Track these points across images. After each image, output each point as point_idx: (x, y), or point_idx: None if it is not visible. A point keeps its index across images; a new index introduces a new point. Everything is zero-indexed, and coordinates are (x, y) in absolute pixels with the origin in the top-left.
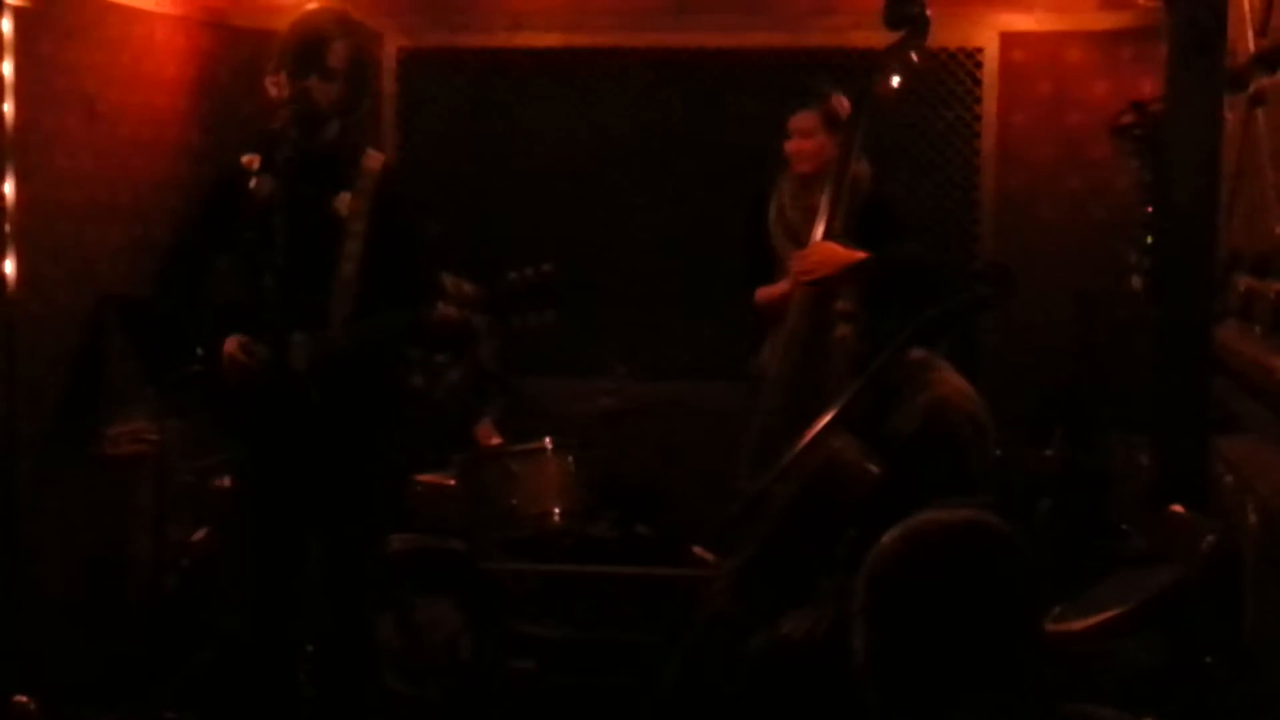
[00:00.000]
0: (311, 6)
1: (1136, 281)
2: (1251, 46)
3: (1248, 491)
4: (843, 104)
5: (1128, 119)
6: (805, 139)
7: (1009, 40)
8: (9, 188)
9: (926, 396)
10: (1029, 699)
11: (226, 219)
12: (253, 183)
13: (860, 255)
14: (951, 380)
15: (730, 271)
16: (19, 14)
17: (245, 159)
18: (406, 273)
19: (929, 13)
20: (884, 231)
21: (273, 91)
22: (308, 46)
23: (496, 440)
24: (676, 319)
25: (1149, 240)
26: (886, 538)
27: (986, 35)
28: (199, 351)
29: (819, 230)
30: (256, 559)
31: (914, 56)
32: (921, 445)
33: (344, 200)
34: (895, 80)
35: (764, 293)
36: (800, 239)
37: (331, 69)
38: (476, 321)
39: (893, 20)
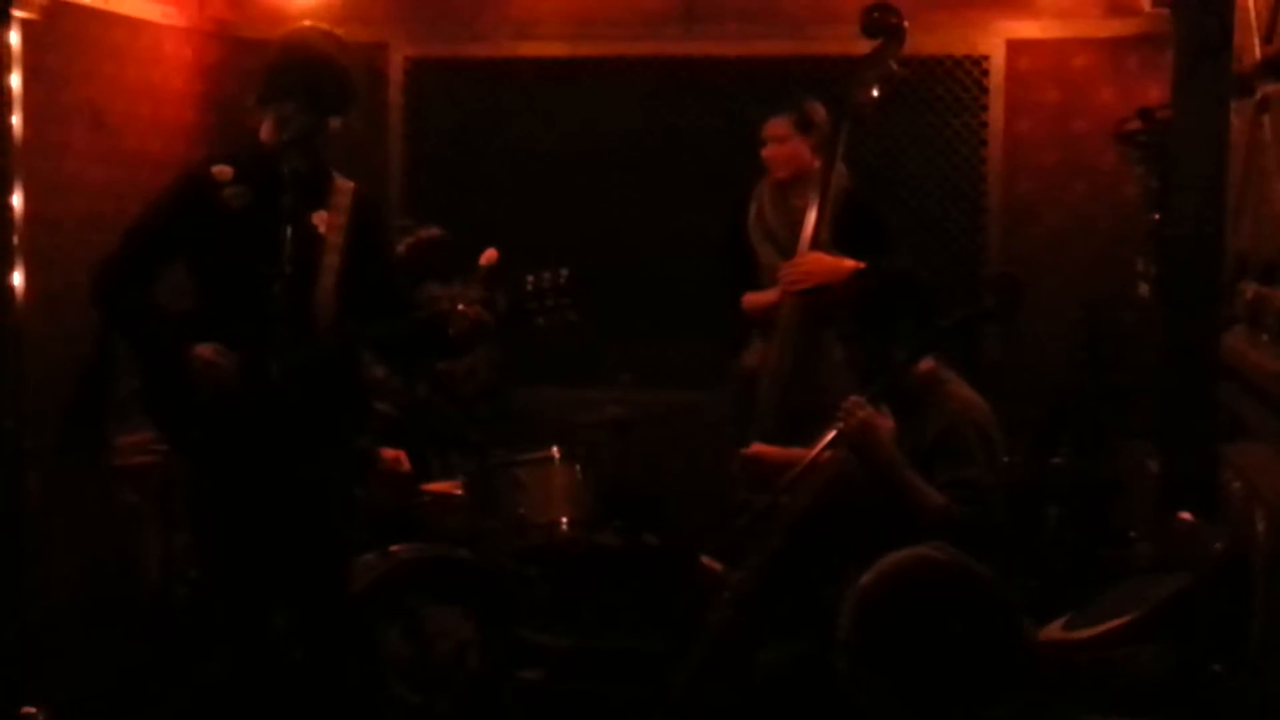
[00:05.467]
0: (308, 26)
1: (1143, 288)
2: (1258, 53)
3: (1256, 498)
4: (816, 109)
5: (1134, 126)
6: (780, 145)
7: (1015, 48)
8: (16, 200)
9: (937, 410)
10: (1031, 711)
11: (190, 227)
12: (225, 192)
13: (848, 264)
14: (961, 392)
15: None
16: (26, 26)
17: (216, 169)
18: (382, 288)
19: (905, 24)
20: (866, 238)
21: (258, 110)
22: (311, 70)
23: None
24: (684, 327)
25: (1155, 247)
26: (863, 578)
27: (992, 43)
28: (145, 359)
29: (806, 240)
30: (223, 571)
31: (893, 65)
32: (933, 459)
33: (321, 217)
34: (875, 90)
35: (752, 300)
36: (780, 243)
37: (330, 93)
38: (488, 317)
39: (869, 30)
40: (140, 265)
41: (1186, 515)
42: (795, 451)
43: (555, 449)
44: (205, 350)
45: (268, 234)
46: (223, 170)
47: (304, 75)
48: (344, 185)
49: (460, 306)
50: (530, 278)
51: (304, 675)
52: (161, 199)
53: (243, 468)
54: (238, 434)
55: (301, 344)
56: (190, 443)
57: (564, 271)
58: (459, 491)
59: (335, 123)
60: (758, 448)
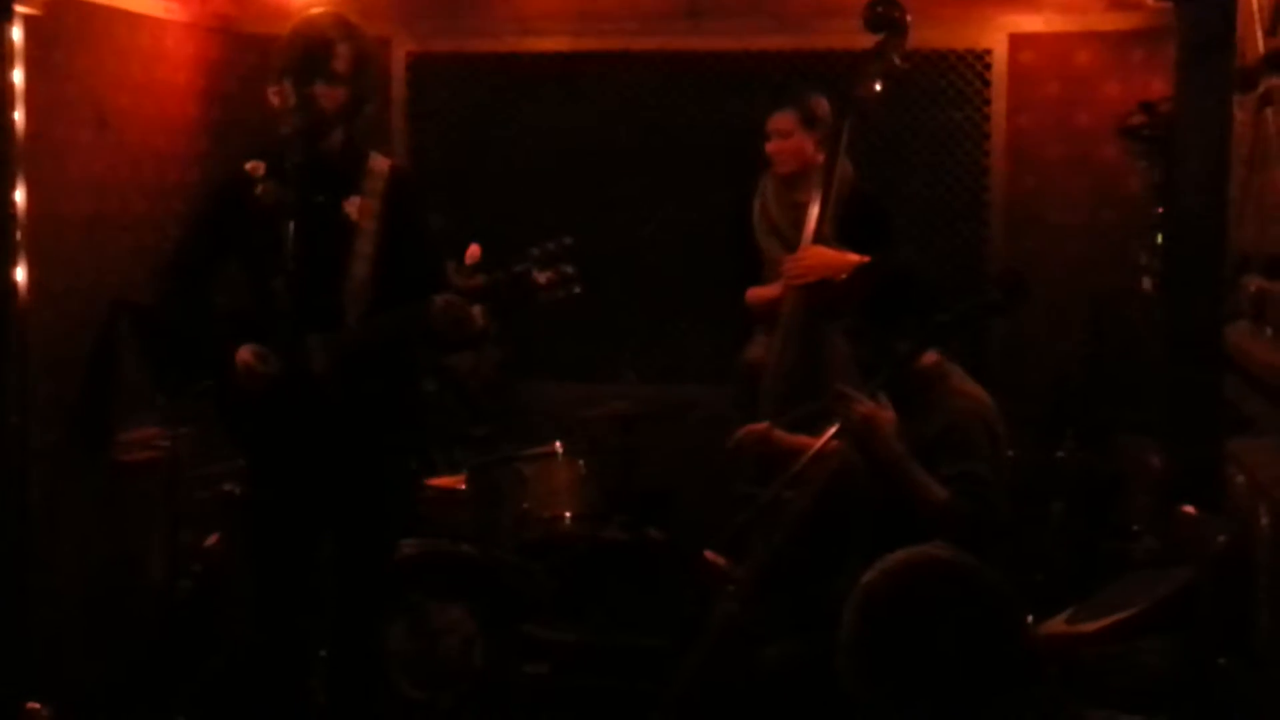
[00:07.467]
0: (311, 12)
1: (1147, 283)
2: (1261, 47)
3: (1259, 493)
4: (820, 104)
5: (1137, 120)
6: (784, 139)
7: (1018, 42)
8: (20, 196)
9: (941, 404)
10: (1034, 707)
11: (231, 227)
12: (258, 189)
13: (852, 258)
14: (965, 386)
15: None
16: (29, 22)
17: (249, 166)
18: (418, 271)
19: (908, 18)
20: (870, 232)
21: (275, 100)
22: (311, 52)
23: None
24: (687, 322)
25: (1159, 241)
26: (867, 577)
27: (995, 37)
28: (208, 363)
29: (809, 234)
30: (267, 568)
31: (896, 59)
32: (937, 453)
33: (354, 204)
34: (878, 84)
35: (755, 294)
36: (784, 237)
37: (336, 73)
38: (480, 313)
39: (872, 24)
40: (188, 268)
41: (1190, 509)
42: (799, 439)
43: (559, 444)
44: (245, 352)
45: (300, 227)
46: (255, 166)
47: (290, 51)
48: (379, 166)
49: (440, 300)
50: (534, 250)
51: (330, 670)
52: (200, 200)
53: (290, 466)
54: (283, 432)
55: (334, 339)
56: (245, 441)
57: (567, 240)
58: (463, 486)
59: (327, 91)
60: (765, 425)
